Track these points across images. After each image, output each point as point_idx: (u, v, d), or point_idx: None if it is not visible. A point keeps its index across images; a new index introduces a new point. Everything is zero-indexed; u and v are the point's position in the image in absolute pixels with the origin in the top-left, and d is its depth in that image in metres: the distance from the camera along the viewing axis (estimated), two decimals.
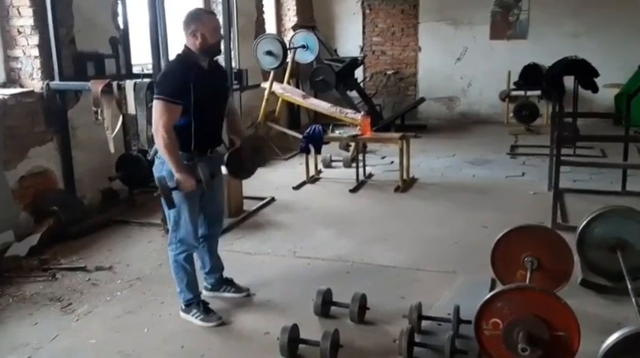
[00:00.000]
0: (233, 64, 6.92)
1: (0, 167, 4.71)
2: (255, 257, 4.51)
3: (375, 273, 4.13)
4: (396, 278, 4.04)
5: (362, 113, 6.86)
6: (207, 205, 3.55)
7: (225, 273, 3.86)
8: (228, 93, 3.65)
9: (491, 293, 2.86)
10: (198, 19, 3.29)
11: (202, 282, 3.79)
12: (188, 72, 3.25)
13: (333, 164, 7.48)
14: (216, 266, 3.76)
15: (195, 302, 3.50)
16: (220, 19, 7.95)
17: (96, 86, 4.97)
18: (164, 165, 3.34)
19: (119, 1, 5.92)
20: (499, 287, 3.35)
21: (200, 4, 7.87)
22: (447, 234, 4.89)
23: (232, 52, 7.74)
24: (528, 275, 3.41)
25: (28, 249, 4.58)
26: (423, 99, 10.05)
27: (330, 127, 6.62)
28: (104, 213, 5.53)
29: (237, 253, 4.56)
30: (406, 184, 6.34)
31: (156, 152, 3.39)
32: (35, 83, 5.19)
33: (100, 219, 5.31)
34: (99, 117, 5.00)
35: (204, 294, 3.73)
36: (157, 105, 3.19)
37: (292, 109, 9.67)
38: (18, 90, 5.04)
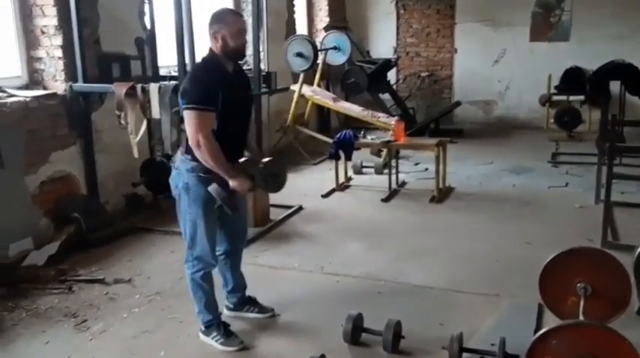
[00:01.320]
0: (262, 66, 6.68)
1: (20, 171, 4.56)
2: (280, 272, 4.25)
3: (410, 294, 3.83)
4: (432, 300, 3.74)
5: (396, 117, 6.54)
6: (229, 219, 3.30)
7: (249, 291, 3.61)
8: (252, 102, 3.38)
9: (545, 329, 2.55)
10: (220, 20, 3.04)
11: (224, 300, 3.55)
12: (214, 75, 3.01)
13: (364, 170, 7.19)
14: (238, 284, 3.51)
15: (215, 324, 3.25)
16: (250, 19, 7.89)
17: (119, 89, 4.77)
18: (181, 176, 3.11)
19: (146, 0, 5.73)
20: (552, 320, 3.03)
21: (229, 4, 7.65)
22: (487, 250, 4.56)
23: (261, 54, 7.54)
24: (582, 304, 3.07)
25: (46, 258, 4.41)
26: (458, 103, 9.68)
27: (362, 133, 6.32)
28: (128, 219, 5.34)
29: (261, 267, 4.30)
30: (442, 194, 6.02)
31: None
32: (58, 85, 5.03)
33: (122, 227, 5.12)
34: (122, 121, 4.80)
35: (226, 314, 3.48)
36: (189, 117, 2.95)
37: (322, 113, 9.39)
38: (40, 92, 4.86)
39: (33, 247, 4.59)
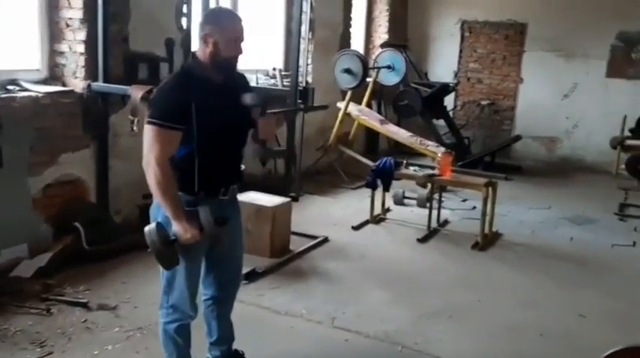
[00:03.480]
0: (301, 80, 6.20)
1: (22, 172, 4.21)
2: (284, 319, 3.68)
3: None
4: None
5: (443, 150, 5.90)
6: (221, 260, 2.79)
7: (239, 341, 3.06)
8: (251, 113, 2.73)
9: None
10: (215, 22, 2.54)
11: (206, 352, 3.02)
12: (189, 88, 2.48)
13: (406, 201, 6.57)
14: (224, 336, 2.97)
15: None
16: (303, 28, 7.43)
17: (136, 92, 4.36)
18: (161, 208, 2.55)
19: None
20: None
21: (281, 13, 7.20)
22: (531, 319, 3.87)
23: (301, 68, 7.07)
24: None
25: (34, 271, 4.01)
26: (519, 138, 8.91)
27: (404, 163, 5.71)
28: (136, 233, 4.90)
29: (264, 310, 3.76)
30: (487, 240, 5.32)
31: None
32: (77, 82, 4.66)
33: (126, 241, 4.66)
34: (135, 128, 4.39)
35: None
36: (147, 132, 2.45)
37: (371, 134, 8.80)
38: (55, 88, 4.51)
39: (27, 255, 4.22)
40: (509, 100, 9.70)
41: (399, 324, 3.67)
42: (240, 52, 2.60)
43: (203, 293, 2.89)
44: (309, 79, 7.42)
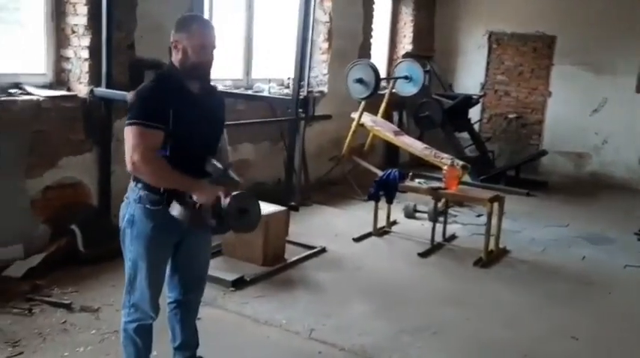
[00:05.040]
0: (310, 89, 6.17)
1: (19, 173, 4.31)
2: (261, 328, 3.64)
3: None
4: None
5: (449, 162, 5.77)
6: (186, 263, 2.79)
7: (210, 348, 3.05)
8: (223, 127, 2.84)
9: None
10: (183, 29, 2.56)
11: None
12: (168, 95, 2.51)
13: (417, 215, 6.44)
14: (188, 342, 2.95)
15: None
16: (320, 37, 7.43)
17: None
18: (128, 207, 2.64)
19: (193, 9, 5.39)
20: None
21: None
22: (519, 339, 3.71)
23: (313, 77, 7.05)
24: None
25: (24, 272, 4.08)
26: (544, 152, 8.65)
27: (410, 175, 5.61)
28: None
29: (244, 318, 3.73)
30: (491, 257, 5.16)
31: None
32: (82, 87, 4.76)
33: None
34: None
35: None
36: (127, 133, 2.47)
37: (390, 145, 8.69)
38: (57, 92, 4.61)
39: (22, 255, 4.31)
40: (537, 114, 9.44)
41: (377, 338, 3.58)
42: (209, 58, 2.61)
43: (167, 295, 2.90)
44: (325, 89, 7.41)
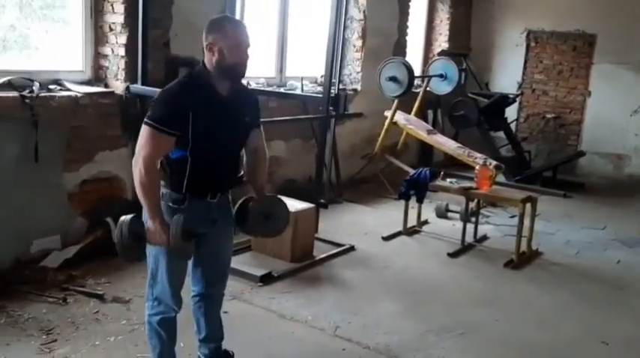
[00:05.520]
0: (342, 87, 6.18)
1: (57, 167, 4.44)
2: (287, 324, 3.67)
3: None
4: None
5: (482, 162, 5.70)
6: (208, 258, 2.83)
7: (236, 342, 3.10)
8: (249, 129, 2.81)
9: None
10: (218, 31, 2.56)
11: (196, 351, 3.06)
12: (191, 96, 2.54)
13: (450, 215, 6.39)
14: (212, 335, 3.00)
15: None
16: (354, 35, 7.43)
17: None
18: None
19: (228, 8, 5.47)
20: None
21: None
22: (550, 342, 3.66)
23: (345, 75, 7.06)
24: None
25: (60, 262, 4.21)
26: (582, 153, 8.46)
27: (441, 174, 5.56)
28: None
29: (270, 313, 3.77)
30: (523, 259, 5.08)
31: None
32: (119, 84, 4.88)
33: None
34: None
35: None
36: (142, 131, 2.52)
37: (425, 145, 8.63)
38: (95, 89, 4.73)
39: (60, 247, 4.45)
40: (576, 114, 9.25)
41: (403, 338, 3.57)
42: (246, 57, 2.63)
43: (191, 289, 2.96)
44: (358, 87, 7.41)
